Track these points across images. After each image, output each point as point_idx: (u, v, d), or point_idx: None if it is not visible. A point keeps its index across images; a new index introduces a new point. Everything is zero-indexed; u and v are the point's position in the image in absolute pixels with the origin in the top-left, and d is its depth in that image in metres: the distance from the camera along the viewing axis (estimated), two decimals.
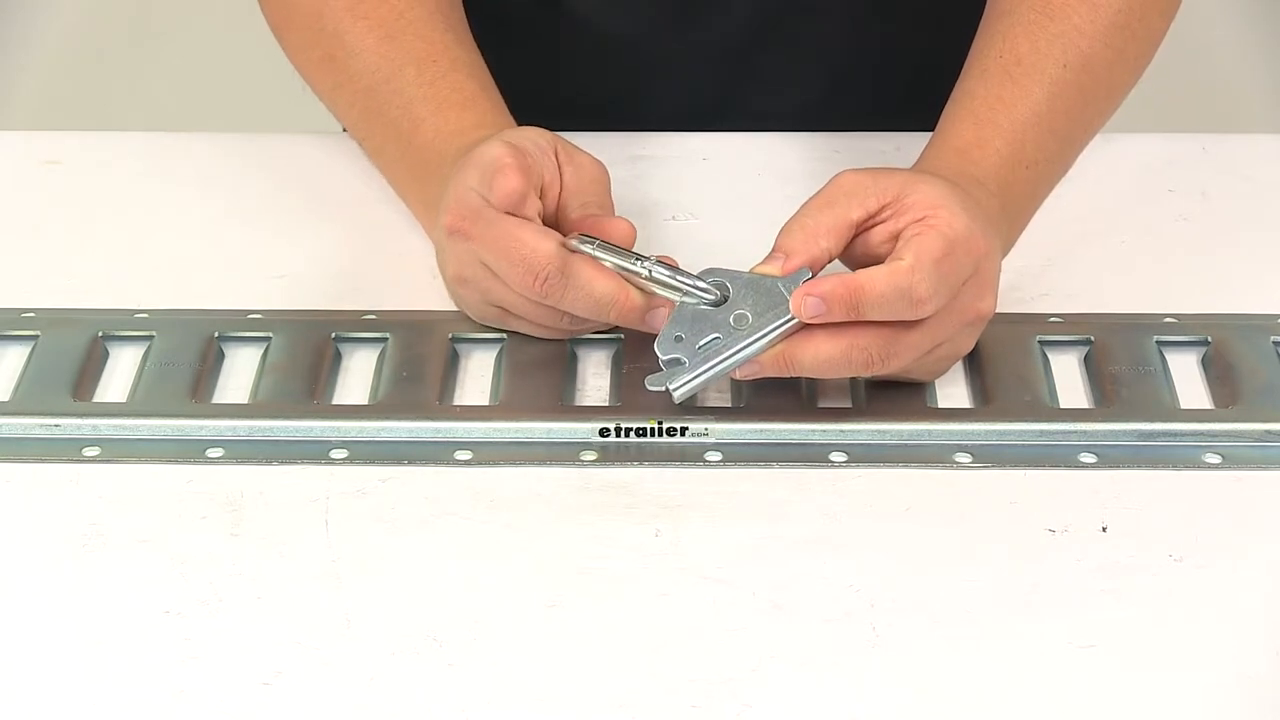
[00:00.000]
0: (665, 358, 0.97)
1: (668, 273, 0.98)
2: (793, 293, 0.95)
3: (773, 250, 0.98)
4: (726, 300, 0.97)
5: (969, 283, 0.97)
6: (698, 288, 0.97)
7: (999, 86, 1.09)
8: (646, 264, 0.98)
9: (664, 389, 0.96)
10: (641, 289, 1.00)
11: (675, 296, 0.98)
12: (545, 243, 0.99)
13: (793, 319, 0.95)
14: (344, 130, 1.21)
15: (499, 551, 0.93)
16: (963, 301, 0.98)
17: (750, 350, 0.96)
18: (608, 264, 0.99)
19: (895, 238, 0.97)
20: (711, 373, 0.96)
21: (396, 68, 1.13)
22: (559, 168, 1.03)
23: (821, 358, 0.96)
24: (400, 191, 1.15)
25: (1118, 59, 1.12)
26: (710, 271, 0.98)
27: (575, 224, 1.02)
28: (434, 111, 1.11)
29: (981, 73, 1.10)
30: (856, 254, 0.99)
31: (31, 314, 1.08)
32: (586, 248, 0.99)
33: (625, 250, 0.99)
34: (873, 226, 0.98)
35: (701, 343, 0.97)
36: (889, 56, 1.31)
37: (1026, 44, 1.10)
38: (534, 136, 1.04)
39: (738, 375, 0.97)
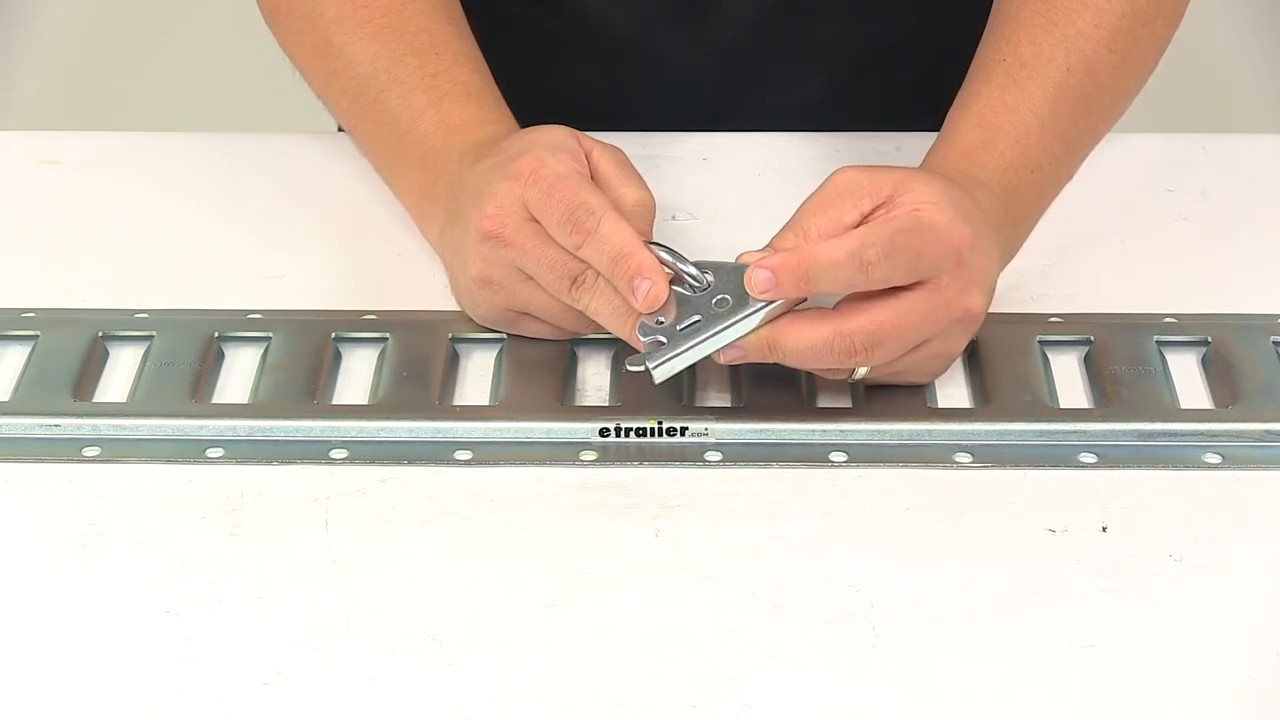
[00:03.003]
0: (646, 339, 0.97)
1: (668, 255, 0.98)
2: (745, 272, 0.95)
3: (765, 248, 0.98)
4: (710, 288, 0.97)
5: (951, 275, 0.97)
6: (691, 274, 0.97)
7: (1002, 90, 1.09)
8: (649, 246, 0.98)
9: (643, 368, 0.97)
10: None
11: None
12: None
13: (773, 301, 0.95)
14: (338, 125, 1.21)
15: (499, 551, 0.93)
16: (945, 294, 0.97)
17: (730, 332, 0.96)
18: None
19: None
20: (691, 353, 0.96)
21: (397, 57, 1.13)
22: (588, 161, 1.03)
23: (804, 343, 0.95)
24: (390, 179, 1.15)
25: (1122, 64, 1.12)
26: (697, 263, 0.98)
27: None
28: (435, 103, 1.11)
29: (986, 75, 1.10)
30: None
31: (31, 314, 1.08)
32: None
33: None
34: (864, 223, 0.98)
35: (682, 325, 0.97)
36: (891, 56, 1.31)
37: (1030, 48, 1.10)
38: (566, 143, 1.02)
39: (721, 359, 0.97)
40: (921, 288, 0.96)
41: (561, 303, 1.01)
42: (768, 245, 0.98)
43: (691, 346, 0.96)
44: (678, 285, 0.98)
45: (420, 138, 1.11)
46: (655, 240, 0.99)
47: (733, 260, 0.98)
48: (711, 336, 0.96)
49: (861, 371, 0.98)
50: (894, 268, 0.95)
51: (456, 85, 1.12)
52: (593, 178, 1.02)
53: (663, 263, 0.98)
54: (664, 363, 0.96)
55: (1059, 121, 1.10)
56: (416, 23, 1.14)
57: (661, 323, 0.97)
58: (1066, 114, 1.10)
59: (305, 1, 1.16)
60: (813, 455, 0.99)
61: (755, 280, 0.94)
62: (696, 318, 0.97)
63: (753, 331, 0.96)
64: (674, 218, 1.16)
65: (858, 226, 0.98)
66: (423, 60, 1.13)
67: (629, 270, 0.97)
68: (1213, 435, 0.99)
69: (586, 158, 1.03)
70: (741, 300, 0.96)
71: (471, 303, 1.06)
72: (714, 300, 0.97)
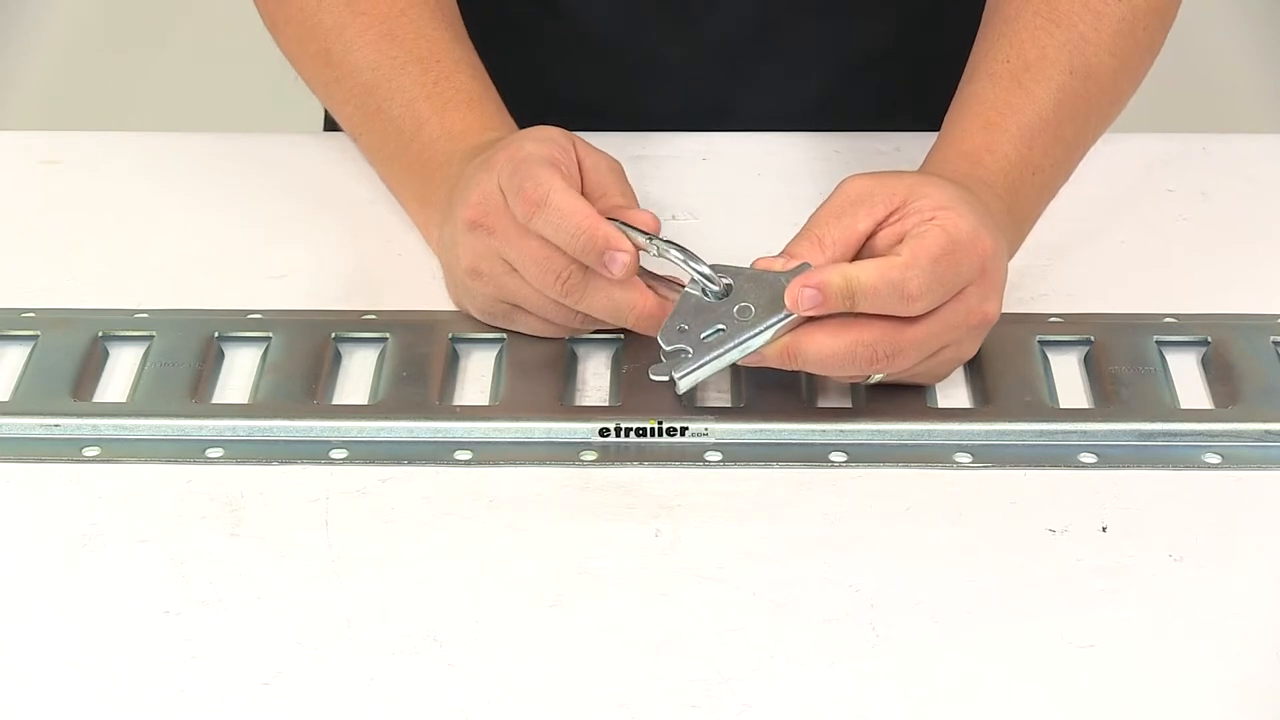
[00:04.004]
0: (669, 348, 0.97)
1: (679, 255, 0.98)
2: (788, 285, 0.95)
3: (780, 255, 0.98)
4: (730, 293, 0.97)
5: (975, 284, 0.97)
6: (704, 274, 0.97)
7: (1007, 91, 1.09)
8: (657, 243, 0.98)
9: (668, 378, 0.96)
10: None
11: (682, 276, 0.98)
12: None
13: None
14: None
15: (499, 551, 0.93)
16: (969, 303, 0.97)
17: (754, 341, 0.96)
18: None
19: (902, 239, 0.97)
20: (716, 363, 0.96)
21: (398, 66, 1.13)
22: (578, 164, 1.03)
23: (825, 352, 0.95)
24: (395, 188, 1.15)
25: (1121, 67, 1.12)
26: (713, 267, 0.98)
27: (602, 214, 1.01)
28: (437, 111, 1.11)
29: (989, 76, 1.10)
30: (864, 259, 0.99)
31: (31, 314, 1.08)
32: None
33: (638, 230, 0.99)
34: (879, 230, 0.98)
35: (705, 334, 0.97)
36: (888, 55, 1.31)
37: (1034, 50, 1.10)
38: (554, 136, 1.03)
39: (742, 364, 0.97)
40: None
41: (548, 295, 1.01)
42: (782, 252, 0.98)
43: (716, 356, 0.96)
44: (690, 287, 0.98)
45: (423, 146, 1.11)
46: (666, 238, 0.99)
47: (748, 265, 0.98)
48: (736, 346, 0.96)
49: (878, 376, 0.98)
50: (935, 298, 0.95)
51: (459, 93, 1.12)
52: (583, 179, 1.02)
53: (673, 263, 0.98)
54: (689, 373, 0.96)
55: (1062, 125, 1.10)
56: (415, 29, 1.14)
57: (684, 330, 0.97)
58: (1069, 118, 1.10)
59: (303, 10, 1.16)
60: (813, 455, 0.99)
61: (803, 298, 0.94)
62: (720, 327, 0.96)
63: (774, 340, 0.96)
64: (674, 218, 1.16)
65: (872, 234, 0.98)
66: (423, 68, 1.13)
67: (595, 245, 0.97)
68: (1213, 435, 0.99)
69: (579, 162, 1.03)
70: (766, 309, 0.96)
71: (467, 296, 1.06)
72: (736, 309, 0.97)
